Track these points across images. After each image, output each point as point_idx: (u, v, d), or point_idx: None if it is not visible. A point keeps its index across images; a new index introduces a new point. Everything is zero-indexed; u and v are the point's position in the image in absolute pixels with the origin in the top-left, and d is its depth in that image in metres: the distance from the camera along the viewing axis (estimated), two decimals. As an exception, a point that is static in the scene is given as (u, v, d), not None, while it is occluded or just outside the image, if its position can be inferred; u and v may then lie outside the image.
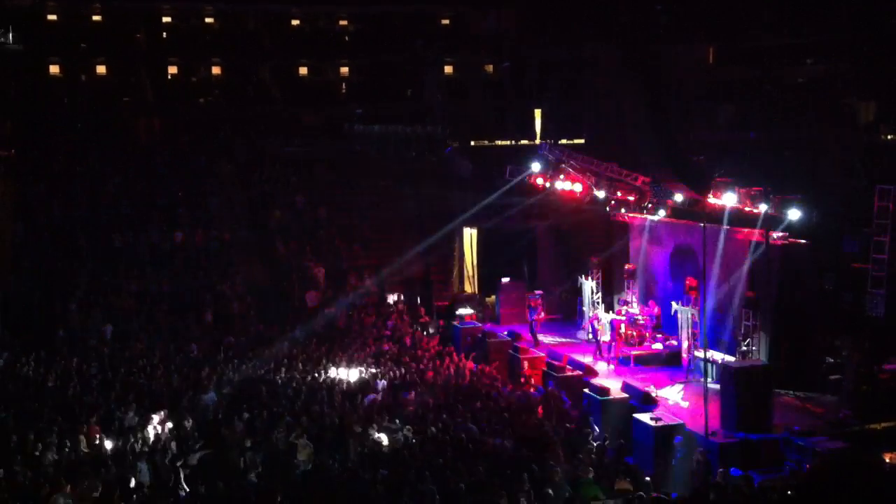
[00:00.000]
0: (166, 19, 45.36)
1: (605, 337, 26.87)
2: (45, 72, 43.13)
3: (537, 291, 30.74)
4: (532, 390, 23.74)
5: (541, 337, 29.14)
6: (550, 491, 14.99)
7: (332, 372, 23.85)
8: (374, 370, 24.17)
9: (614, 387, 22.79)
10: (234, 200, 36.48)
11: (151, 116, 43.51)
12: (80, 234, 32.43)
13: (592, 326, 27.74)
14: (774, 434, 19.71)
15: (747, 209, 23.01)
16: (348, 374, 23.71)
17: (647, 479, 16.66)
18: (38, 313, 28.59)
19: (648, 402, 21.96)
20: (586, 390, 22.73)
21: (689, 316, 24.89)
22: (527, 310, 29.71)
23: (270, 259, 33.88)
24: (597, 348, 27.02)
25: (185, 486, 16.26)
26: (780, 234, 22.91)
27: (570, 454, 17.83)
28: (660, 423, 19.50)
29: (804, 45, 42.33)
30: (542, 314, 29.62)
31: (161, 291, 30.75)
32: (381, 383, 23.00)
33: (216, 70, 46.01)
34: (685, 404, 22.40)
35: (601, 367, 25.93)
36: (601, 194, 27.78)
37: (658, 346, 26.53)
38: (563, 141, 36.30)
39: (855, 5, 38.98)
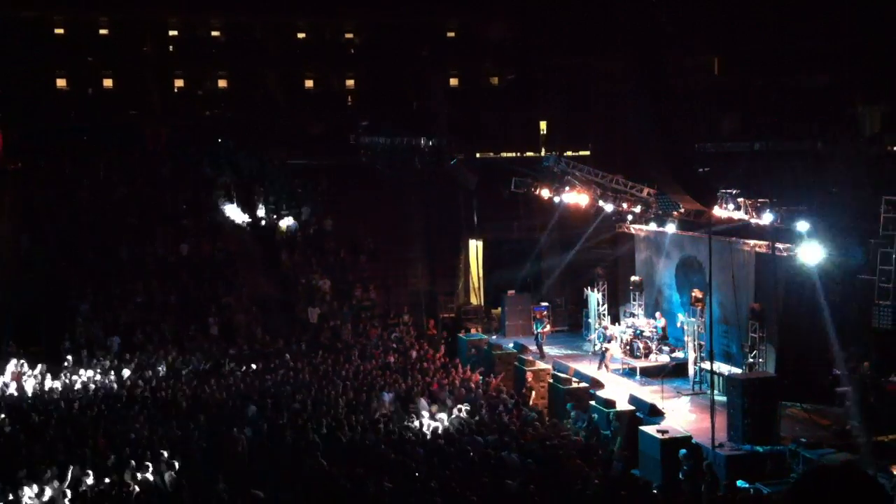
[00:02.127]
0: (173, 32, 45.50)
1: (617, 350, 26.95)
2: (52, 84, 43.33)
3: (543, 303, 30.77)
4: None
5: (547, 349, 29.13)
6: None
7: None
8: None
9: (621, 398, 22.75)
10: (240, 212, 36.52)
11: (158, 128, 43.63)
12: (86, 244, 32.52)
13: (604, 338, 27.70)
14: (781, 446, 19.66)
15: (753, 220, 23.01)
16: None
17: (654, 491, 16.62)
18: (44, 324, 28.65)
19: (655, 414, 21.92)
20: (592, 402, 22.69)
21: (696, 328, 24.85)
22: (532, 322, 29.71)
23: (276, 270, 33.92)
24: (601, 360, 27.00)
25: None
26: (786, 245, 22.89)
27: (579, 466, 17.80)
28: (666, 436, 19.46)
29: (809, 52, 42.29)
30: (548, 326, 29.60)
31: (167, 302, 30.81)
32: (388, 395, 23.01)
33: (222, 82, 46.15)
34: (692, 416, 22.36)
35: (608, 378, 25.91)
36: (607, 206, 27.80)
37: (664, 358, 26.50)
38: (569, 152, 36.30)
39: (860, 12, 38.92)
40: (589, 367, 26.62)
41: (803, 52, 42.31)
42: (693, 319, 25.05)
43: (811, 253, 22.76)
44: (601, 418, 21.83)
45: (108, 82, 44.25)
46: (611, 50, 41.94)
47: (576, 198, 28.67)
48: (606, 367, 26.55)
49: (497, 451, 18.40)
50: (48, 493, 16.24)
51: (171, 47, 45.66)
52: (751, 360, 23.31)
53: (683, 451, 18.88)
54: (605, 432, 21.24)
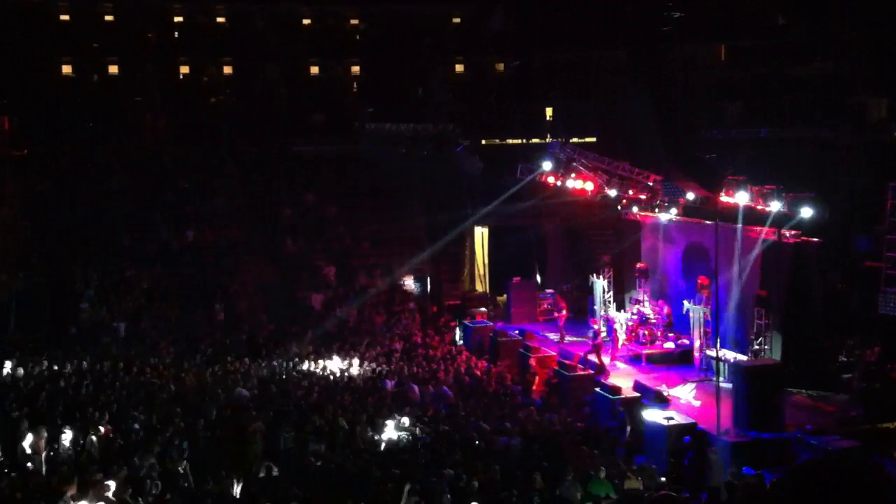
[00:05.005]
0: (177, 19, 45.45)
1: (622, 337, 26.96)
2: (57, 71, 43.34)
3: (548, 290, 30.80)
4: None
5: (552, 336, 29.17)
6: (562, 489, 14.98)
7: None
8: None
9: (626, 386, 22.77)
10: (244, 198, 36.54)
11: (161, 115, 43.61)
12: (87, 231, 32.56)
13: (609, 326, 27.67)
14: (786, 433, 19.66)
15: (759, 207, 22.97)
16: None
17: (662, 479, 16.65)
18: (48, 311, 28.67)
19: (660, 401, 21.93)
20: (598, 389, 22.70)
21: (701, 315, 24.84)
22: (560, 313, 29.55)
23: (280, 257, 33.94)
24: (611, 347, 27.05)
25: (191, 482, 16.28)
26: (792, 232, 22.86)
27: (582, 452, 17.81)
28: (672, 423, 19.47)
29: (814, 41, 42.20)
30: (564, 311, 29.58)
31: (171, 290, 30.84)
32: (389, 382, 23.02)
33: (227, 69, 46.12)
34: (697, 403, 22.37)
35: (617, 366, 25.95)
36: (613, 193, 27.76)
37: (670, 345, 26.49)
38: (574, 139, 36.22)
39: (865, 1, 38.79)
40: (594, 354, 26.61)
41: (808, 40, 42.24)
42: (699, 306, 25.03)
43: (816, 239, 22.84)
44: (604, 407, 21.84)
45: (113, 69, 44.26)
46: (615, 37, 41.93)
47: (581, 185, 28.62)
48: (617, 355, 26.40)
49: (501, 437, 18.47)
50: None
51: (175, 34, 45.62)
52: (756, 346, 23.31)
53: (688, 437, 18.90)
54: (611, 423, 21.19)
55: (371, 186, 37.88)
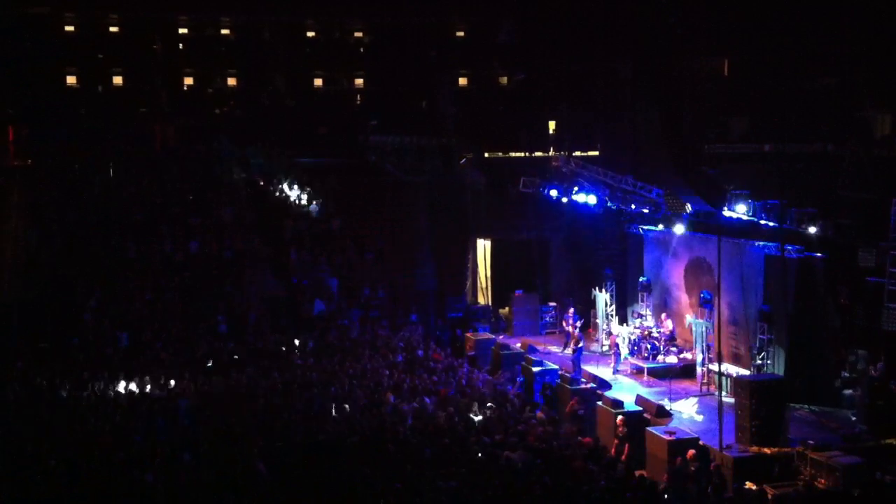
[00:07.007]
0: (183, 30, 45.64)
1: (624, 350, 26.93)
2: (63, 82, 43.51)
3: (550, 304, 30.79)
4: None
5: (554, 349, 29.14)
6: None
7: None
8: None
9: (628, 399, 22.71)
10: (248, 210, 36.52)
11: (167, 126, 43.73)
12: (93, 242, 32.56)
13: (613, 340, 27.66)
14: (789, 448, 19.59)
15: (763, 222, 22.95)
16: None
17: (665, 496, 16.59)
18: (52, 321, 28.65)
19: (662, 416, 21.87)
20: (599, 403, 22.64)
21: (704, 329, 24.80)
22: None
23: (283, 269, 33.90)
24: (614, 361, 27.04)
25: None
26: (796, 247, 22.83)
27: (585, 467, 17.76)
28: (674, 437, 19.41)
29: (819, 56, 42.16)
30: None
31: (174, 300, 30.80)
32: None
33: (232, 81, 46.27)
34: (700, 418, 22.31)
35: (620, 379, 25.91)
36: (615, 207, 27.76)
37: (672, 359, 26.43)
38: (578, 153, 36.22)
39: (870, 15, 38.78)
40: (596, 368, 26.59)
41: (812, 54, 42.20)
42: (702, 320, 24.99)
43: (820, 254, 22.83)
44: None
45: (117, 80, 44.44)
46: (619, 51, 41.99)
47: (584, 198, 28.62)
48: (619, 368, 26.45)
49: (503, 451, 18.40)
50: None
51: (180, 46, 45.82)
52: (759, 361, 23.26)
53: (692, 451, 18.83)
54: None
55: (375, 199, 37.84)
